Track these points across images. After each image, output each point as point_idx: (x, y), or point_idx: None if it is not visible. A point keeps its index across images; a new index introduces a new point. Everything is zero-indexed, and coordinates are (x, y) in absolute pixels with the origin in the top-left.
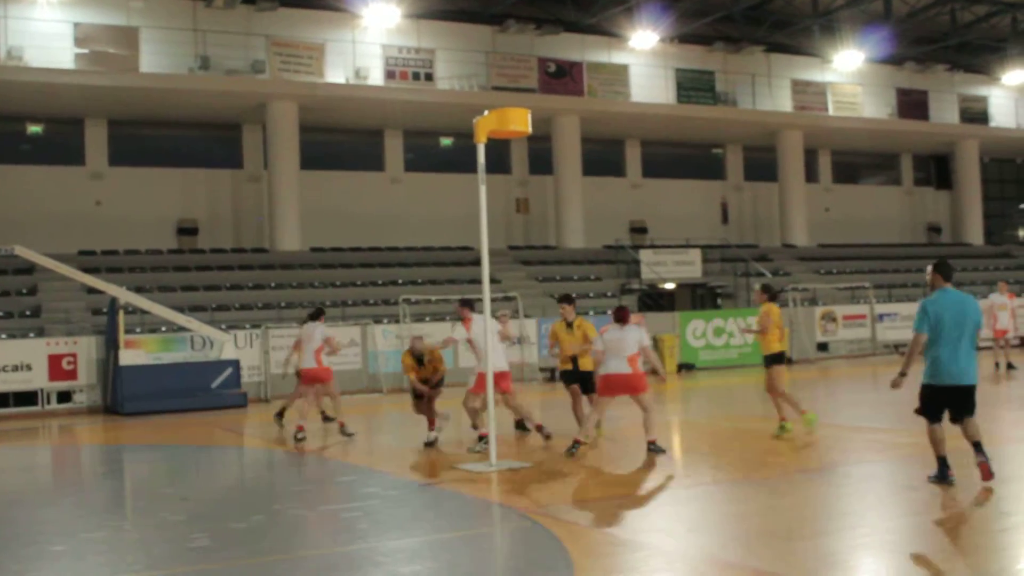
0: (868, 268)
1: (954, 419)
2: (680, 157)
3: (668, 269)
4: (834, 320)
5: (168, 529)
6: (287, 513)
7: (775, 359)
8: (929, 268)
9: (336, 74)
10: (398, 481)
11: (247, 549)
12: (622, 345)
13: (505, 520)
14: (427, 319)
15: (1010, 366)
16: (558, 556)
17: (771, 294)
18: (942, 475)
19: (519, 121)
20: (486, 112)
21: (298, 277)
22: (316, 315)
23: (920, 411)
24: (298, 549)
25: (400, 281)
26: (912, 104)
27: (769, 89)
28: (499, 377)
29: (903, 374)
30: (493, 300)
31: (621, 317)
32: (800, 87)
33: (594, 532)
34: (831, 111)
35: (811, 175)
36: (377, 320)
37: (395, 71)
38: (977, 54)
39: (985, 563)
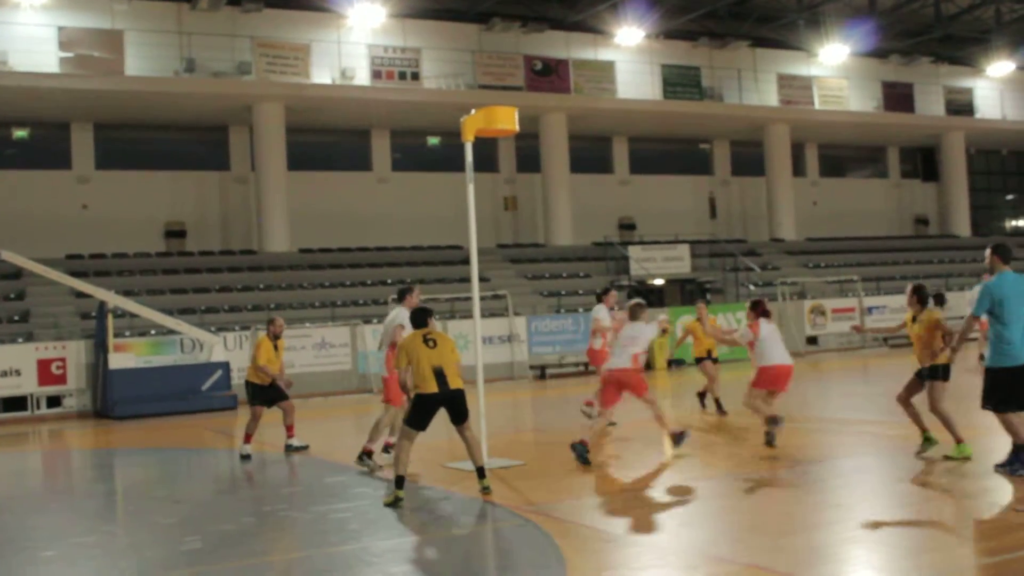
0: (856, 261)
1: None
2: (667, 153)
3: (657, 265)
4: (823, 314)
5: (159, 532)
6: (278, 514)
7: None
8: (988, 251)
9: (322, 74)
10: (389, 481)
11: (239, 551)
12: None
13: (497, 518)
14: None
15: (982, 357)
16: (550, 553)
17: (921, 296)
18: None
19: (506, 119)
20: (473, 111)
21: (287, 278)
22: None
23: (993, 402)
24: (289, 550)
25: (389, 281)
26: (898, 97)
27: (755, 84)
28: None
29: (954, 349)
30: (482, 299)
31: (766, 311)
32: (786, 81)
33: (585, 528)
34: (817, 105)
35: (798, 169)
36: (367, 320)
37: (381, 71)
38: (962, 46)
39: (975, 554)
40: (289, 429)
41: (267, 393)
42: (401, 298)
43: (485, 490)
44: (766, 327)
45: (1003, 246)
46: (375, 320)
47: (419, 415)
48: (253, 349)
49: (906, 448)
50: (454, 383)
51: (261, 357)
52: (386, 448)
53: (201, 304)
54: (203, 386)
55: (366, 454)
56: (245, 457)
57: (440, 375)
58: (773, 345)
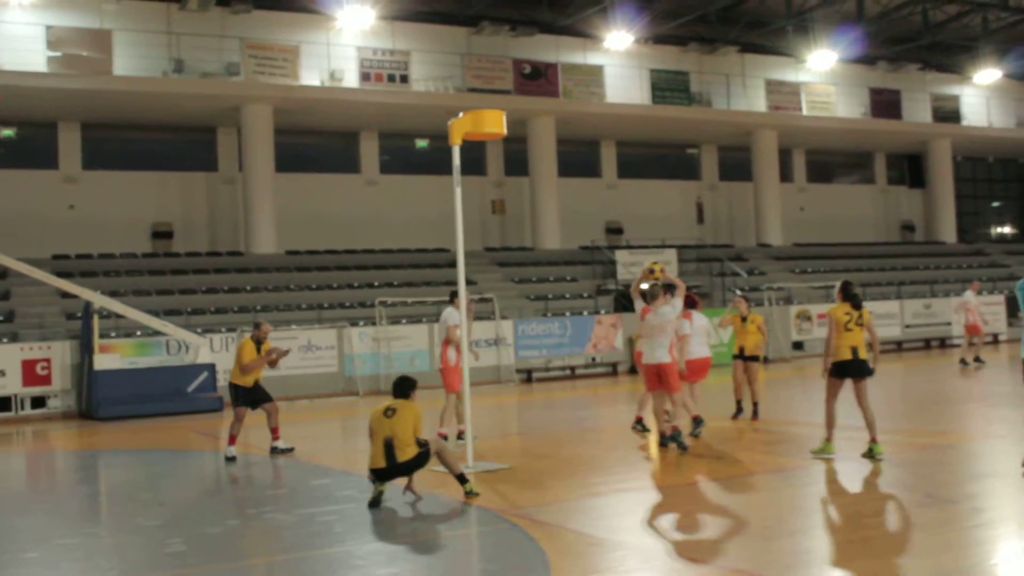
0: (843, 267)
1: None
2: (655, 157)
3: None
4: (809, 319)
5: (143, 535)
6: (263, 517)
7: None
8: None
9: (311, 76)
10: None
11: (223, 554)
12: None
13: (482, 522)
14: (403, 321)
15: (963, 361)
16: (535, 557)
17: (847, 293)
18: None
19: (494, 123)
20: (461, 114)
21: (274, 280)
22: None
23: None
24: (274, 553)
25: (376, 283)
26: (885, 103)
27: (743, 89)
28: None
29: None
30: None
31: (693, 301)
32: (774, 87)
33: (570, 532)
34: (805, 111)
35: (785, 175)
36: (353, 323)
37: (370, 73)
38: (949, 53)
39: (959, 559)
40: (274, 431)
41: (251, 395)
42: (452, 299)
43: (469, 494)
44: (698, 319)
45: None
46: (362, 323)
47: (376, 478)
48: (237, 351)
49: (890, 453)
50: (403, 455)
51: (245, 357)
52: (459, 435)
53: (187, 306)
54: (189, 388)
55: (443, 437)
56: (230, 459)
57: (388, 448)
58: (697, 338)
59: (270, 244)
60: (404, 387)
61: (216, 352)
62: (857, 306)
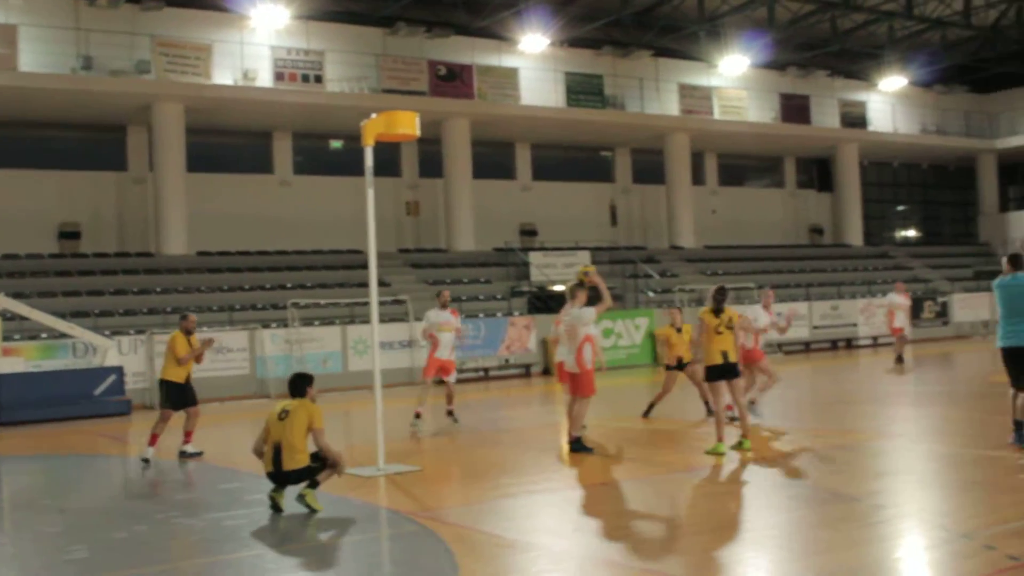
0: (752, 269)
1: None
2: (569, 160)
3: (558, 271)
4: None
5: (44, 541)
6: (171, 522)
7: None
8: (1004, 260)
9: (224, 75)
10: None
11: (128, 560)
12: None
13: (392, 524)
14: (316, 323)
15: (899, 359)
16: (444, 559)
17: (713, 297)
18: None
19: (407, 124)
20: (374, 115)
21: (184, 282)
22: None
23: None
24: (182, 559)
25: (289, 285)
26: (795, 108)
27: (657, 93)
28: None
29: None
30: (382, 304)
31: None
32: (687, 91)
33: (481, 534)
34: (717, 115)
35: (698, 178)
36: (265, 325)
37: (284, 73)
38: (856, 60)
39: (862, 555)
40: (187, 435)
41: (182, 394)
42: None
43: (301, 499)
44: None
45: (1017, 255)
46: (274, 324)
47: (271, 481)
48: (169, 345)
49: (797, 454)
50: (289, 463)
51: (180, 350)
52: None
53: (95, 307)
54: (95, 391)
55: (417, 415)
56: (145, 461)
57: (277, 454)
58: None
59: (180, 245)
60: (298, 385)
61: (124, 355)
62: (718, 312)
